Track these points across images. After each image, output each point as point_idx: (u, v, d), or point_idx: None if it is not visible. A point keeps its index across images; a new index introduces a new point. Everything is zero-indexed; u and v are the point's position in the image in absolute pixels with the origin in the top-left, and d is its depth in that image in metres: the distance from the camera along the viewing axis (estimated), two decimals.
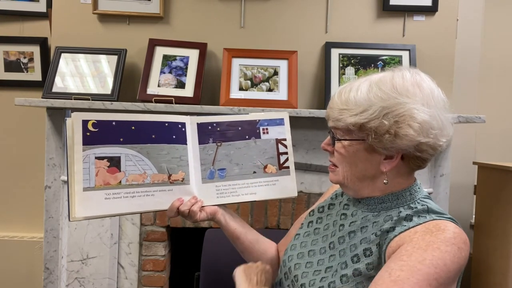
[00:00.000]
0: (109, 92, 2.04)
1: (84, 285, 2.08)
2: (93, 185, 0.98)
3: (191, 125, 1.08)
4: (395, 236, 0.85)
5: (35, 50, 2.48)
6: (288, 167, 1.13)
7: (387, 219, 0.91)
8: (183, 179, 1.05)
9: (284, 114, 1.15)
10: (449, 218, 0.87)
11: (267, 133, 1.13)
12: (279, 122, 1.14)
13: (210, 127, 1.09)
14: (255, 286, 0.97)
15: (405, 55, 2.11)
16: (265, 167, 1.12)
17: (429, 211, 0.88)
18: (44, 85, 2.06)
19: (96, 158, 0.98)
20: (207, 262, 1.48)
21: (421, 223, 0.85)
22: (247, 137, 1.12)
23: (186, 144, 1.06)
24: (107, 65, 2.09)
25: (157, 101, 1.98)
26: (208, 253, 1.48)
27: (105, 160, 0.99)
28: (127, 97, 2.11)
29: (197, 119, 1.09)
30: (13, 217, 2.57)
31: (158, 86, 2.06)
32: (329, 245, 0.99)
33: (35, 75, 2.50)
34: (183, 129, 1.06)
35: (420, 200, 0.92)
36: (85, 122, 0.98)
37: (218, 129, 1.10)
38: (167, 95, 2.02)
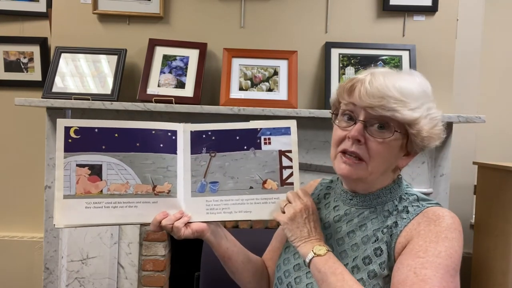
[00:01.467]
0: (109, 92, 2.04)
1: (84, 285, 2.08)
2: (74, 193, 0.96)
3: (183, 133, 1.01)
4: (401, 231, 0.89)
5: (35, 50, 2.48)
6: (291, 184, 1.00)
7: (386, 214, 0.93)
8: (169, 191, 0.99)
9: (291, 123, 1.02)
10: (437, 203, 0.93)
11: (269, 143, 1.01)
12: (285, 131, 1.01)
13: (204, 136, 1.01)
14: (313, 242, 0.91)
15: (405, 55, 2.11)
16: (264, 182, 1.00)
17: (418, 199, 0.94)
18: (44, 85, 2.06)
19: (77, 165, 0.96)
20: (207, 262, 1.48)
21: (418, 213, 0.90)
22: (245, 147, 1.01)
23: (175, 153, 1.00)
24: (107, 65, 2.09)
25: (157, 101, 1.98)
26: (208, 253, 1.47)
27: (86, 168, 0.97)
28: (127, 97, 2.11)
29: (191, 126, 1.01)
30: (13, 217, 2.57)
31: (158, 86, 2.06)
32: None
33: (35, 75, 2.50)
34: (173, 138, 1.00)
35: (407, 189, 0.97)
36: (67, 129, 0.96)
37: (213, 137, 1.01)
38: (167, 95, 2.02)
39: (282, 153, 1.01)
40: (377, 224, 0.92)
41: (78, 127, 0.97)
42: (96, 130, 0.98)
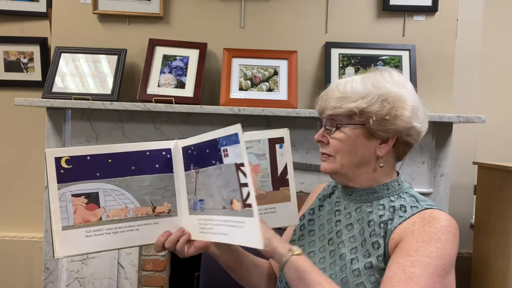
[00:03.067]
0: (109, 92, 2.04)
1: (84, 285, 2.08)
2: (72, 224, 0.94)
3: (177, 150, 0.99)
4: (395, 227, 0.91)
5: (35, 50, 2.48)
6: (250, 206, 0.81)
7: (380, 208, 0.97)
8: (170, 210, 0.99)
9: (236, 128, 0.82)
10: (436, 206, 0.95)
11: (228, 155, 0.86)
12: (235, 139, 0.83)
13: (189, 151, 0.97)
14: (288, 243, 0.97)
15: (405, 55, 2.11)
16: (231, 202, 0.86)
17: (418, 200, 0.96)
18: (44, 85, 2.06)
19: (72, 195, 0.94)
20: (207, 262, 1.48)
21: (415, 213, 0.92)
22: (213, 161, 0.90)
23: (172, 172, 0.99)
24: (107, 65, 2.09)
25: (157, 101, 1.98)
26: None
27: (82, 197, 0.95)
28: (127, 97, 2.11)
29: (182, 142, 0.98)
30: (13, 217, 2.57)
31: (158, 86, 2.06)
32: (328, 242, 1.01)
33: (35, 75, 2.50)
34: (168, 156, 0.99)
35: (407, 190, 1.00)
36: (57, 160, 0.93)
37: (195, 152, 0.96)
38: (167, 95, 2.02)
39: (237, 167, 0.84)
40: (371, 217, 0.96)
41: (69, 156, 0.94)
42: (88, 157, 0.95)
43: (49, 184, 0.93)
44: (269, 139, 1.02)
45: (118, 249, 0.99)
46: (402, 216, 0.92)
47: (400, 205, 0.95)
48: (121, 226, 0.96)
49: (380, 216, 0.95)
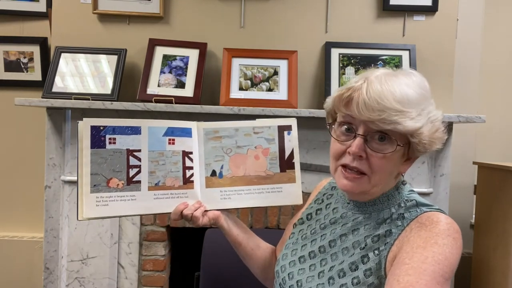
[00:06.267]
0: (109, 92, 2.04)
1: (84, 285, 2.08)
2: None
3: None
4: (395, 239, 0.85)
5: (35, 50, 2.48)
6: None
7: (380, 221, 0.90)
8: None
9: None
10: (437, 209, 0.88)
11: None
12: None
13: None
14: None
15: (405, 55, 2.11)
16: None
17: (418, 204, 0.89)
18: (44, 85, 2.06)
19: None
20: (207, 262, 1.48)
21: (413, 218, 0.86)
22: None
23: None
24: (107, 65, 2.09)
25: (157, 101, 1.98)
26: (208, 253, 1.48)
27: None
28: (127, 97, 2.11)
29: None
30: (13, 217, 2.57)
31: (158, 86, 2.06)
32: (318, 248, 0.97)
33: (35, 75, 2.50)
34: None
35: (407, 195, 0.92)
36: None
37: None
38: (167, 95, 2.02)
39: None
40: (369, 231, 0.90)
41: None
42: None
43: (84, 150, 0.98)
44: (278, 126, 1.06)
45: (139, 215, 1.08)
46: (400, 225, 0.86)
47: (399, 213, 0.89)
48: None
49: (376, 229, 0.89)
